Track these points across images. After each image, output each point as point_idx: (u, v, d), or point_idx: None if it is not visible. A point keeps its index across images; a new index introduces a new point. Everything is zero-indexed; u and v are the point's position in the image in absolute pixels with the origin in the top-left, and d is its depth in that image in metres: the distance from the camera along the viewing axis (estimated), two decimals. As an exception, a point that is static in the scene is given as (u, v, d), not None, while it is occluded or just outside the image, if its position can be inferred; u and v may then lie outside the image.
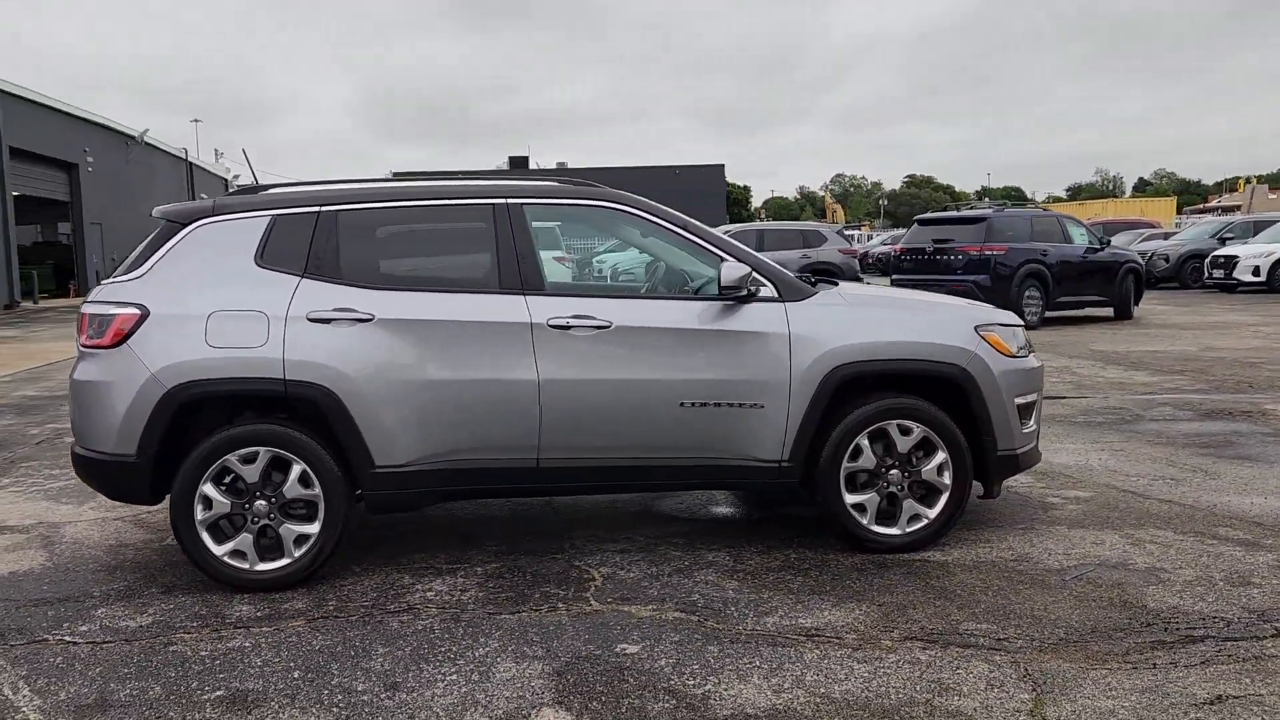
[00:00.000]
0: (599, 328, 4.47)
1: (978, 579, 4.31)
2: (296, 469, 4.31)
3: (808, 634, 3.76)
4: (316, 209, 4.53)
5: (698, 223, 4.79)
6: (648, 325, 4.51)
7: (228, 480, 4.30)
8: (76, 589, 4.46)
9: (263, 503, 4.31)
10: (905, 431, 4.64)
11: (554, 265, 5.54)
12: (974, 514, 5.22)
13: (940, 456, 4.66)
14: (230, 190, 55.78)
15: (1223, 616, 3.83)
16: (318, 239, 4.48)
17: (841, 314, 4.68)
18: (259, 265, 4.42)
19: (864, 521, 4.65)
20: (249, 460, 4.29)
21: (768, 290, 4.63)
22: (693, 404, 4.51)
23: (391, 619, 4.02)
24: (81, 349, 4.40)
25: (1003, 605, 4.00)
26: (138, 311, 4.31)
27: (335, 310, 4.35)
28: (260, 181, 5.13)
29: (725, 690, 3.31)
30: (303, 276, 4.42)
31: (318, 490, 4.32)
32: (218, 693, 3.38)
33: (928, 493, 4.70)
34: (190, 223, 4.48)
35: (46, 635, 3.94)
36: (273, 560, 4.34)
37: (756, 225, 21.69)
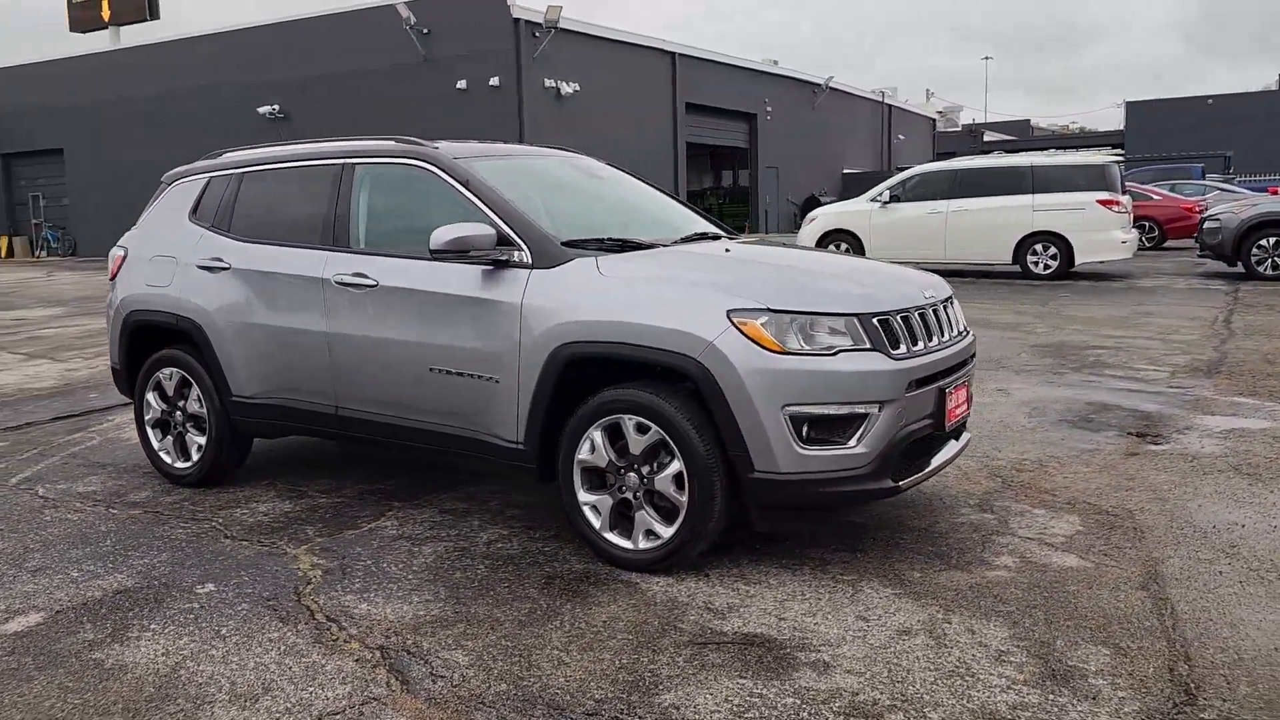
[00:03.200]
0: (369, 286, 4.55)
1: (608, 615, 3.56)
2: (195, 389, 5.23)
3: (330, 617, 3.62)
4: (234, 171, 5.31)
5: (487, 180, 4.46)
6: (405, 287, 4.45)
7: (160, 391, 5.39)
8: (115, 461, 5.97)
9: (179, 413, 5.33)
10: (642, 430, 3.90)
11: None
12: (864, 543, 4.11)
13: (675, 466, 3.82)
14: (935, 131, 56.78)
15: (691, 736, 2.75)
16: (224, 197, 5.26)
17: (585, 285, 4.04)
18: (190, 220, 5.37)
19: (596, 525, 4.05)
20: (169, 377, 5.32)
21: (523, 255, 4.21)
22: (440, 370, 4.36)
23: (170, 526, 4.73)
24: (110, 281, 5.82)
25: (534, 645, 3.32)
26: (123, 253, 5.58)
27: (212, 259, 5.13)
28: None
29: (149, 640, 3.47)
30: (209, 229, 5.25)
31: (206, 409, 5.20)
32: (-21, 546, 4.53)
33: (670, 506, 3.90)
34: (172, 183, 5.60)
35: (37, 487, 5.47)
36: (185, 462, 5.34)
37: None
